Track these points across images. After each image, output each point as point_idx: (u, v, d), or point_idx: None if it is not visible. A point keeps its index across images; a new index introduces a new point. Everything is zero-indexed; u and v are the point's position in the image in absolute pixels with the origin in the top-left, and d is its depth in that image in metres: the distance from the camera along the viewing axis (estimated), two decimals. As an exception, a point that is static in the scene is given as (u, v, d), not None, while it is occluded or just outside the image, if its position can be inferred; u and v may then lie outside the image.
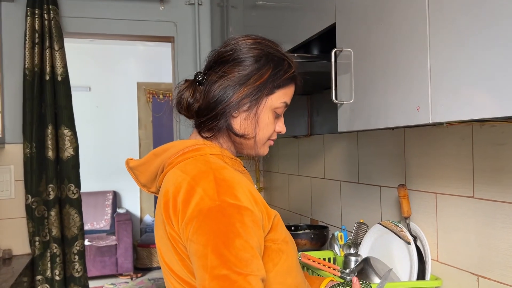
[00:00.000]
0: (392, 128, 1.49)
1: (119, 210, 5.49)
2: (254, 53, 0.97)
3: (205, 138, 0.99)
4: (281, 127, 1.03)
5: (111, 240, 5.10)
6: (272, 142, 1.04)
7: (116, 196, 5.64)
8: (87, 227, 5.24)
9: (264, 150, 1.03)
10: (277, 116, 1.01)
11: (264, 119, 0.98)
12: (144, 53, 5.73)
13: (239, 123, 0.97)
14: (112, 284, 4.91)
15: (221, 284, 0.78)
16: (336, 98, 1.25)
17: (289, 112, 1.05)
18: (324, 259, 1.58)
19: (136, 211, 5.81)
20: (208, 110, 0.96)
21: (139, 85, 5.81)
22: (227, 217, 0.82)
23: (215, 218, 0.82)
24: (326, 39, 1.44)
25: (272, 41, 1.03)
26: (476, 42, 0.79)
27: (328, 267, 1.38)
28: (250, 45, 0.98)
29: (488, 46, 0.77)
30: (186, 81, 1.03)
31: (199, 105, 0.98)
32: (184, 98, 1.00)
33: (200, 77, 1.00)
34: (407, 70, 0.98)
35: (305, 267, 1.48)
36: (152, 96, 5.88)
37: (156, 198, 1.00)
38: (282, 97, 0.99)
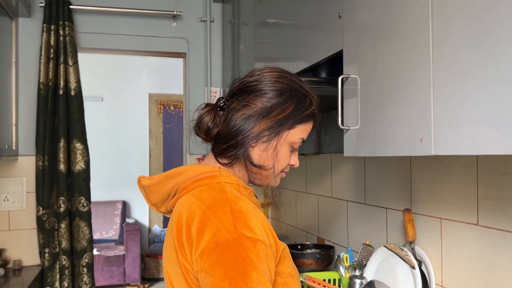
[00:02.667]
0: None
1: (128, 220, 5.53)
2: (278, 87, 0.98)
3: (222, 164, 1.00)
4: (295, 161, 1.05)
5: (120, 250, 5.13)
6: (284, 174, 1.05)
7: (125, 206, 5.68)
8: (96, 236, 5.28)
9: (276, 182, 1.04)
10: (292, 150, 1.03)
11: (282, 152, 0.99)
12: (156, 64, 5.80)
13: (257, 154, 0.98)
14: (120, 294, 4.93)
15: None
16: (342, 124, 1.27)
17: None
18: (329, 280, 1.59)
19: (145, 221, 5.85)
20: (228, 138, 0.97)
21: (151, 96, 5.88)
22: (245, 250, 0.82)
23: (233, 251, 0.82)
24: (334, 63, 1.47)
25: (297, 76, 1.05)
26: (479, 78, 0.81)
27: (333, 289, 1.39)
28: (275, 78, 1.00)
29: (490, 83, 0.79)
30: (207, 105, 1.05)
31: (218, 131, 1.00)
32: (204, 122, 1.01)
33: (221, 103, 1.02)
34: (411, 102, 1.00)
35: (310, 288, 1.49)
36: (163, 107, 5.94)
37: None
38: (300, 132, 1.01)
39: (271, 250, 0.87)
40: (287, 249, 0.95)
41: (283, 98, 0.98)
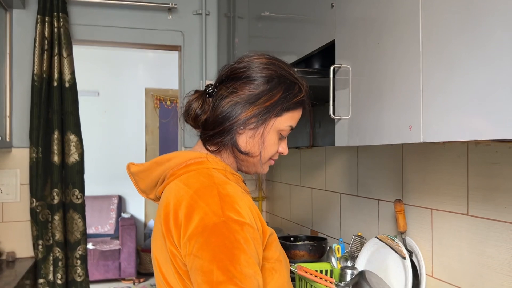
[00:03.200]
0: (391, 144, 1.51)
1: (124, 215, 5.53)
2: (266, 73, 0.98)
3: (210, 151, 1.01)
4: (284, 148, 1.04)
5: (115, 245, 5.13)
6: (273, 162, 1.05)
7: (121, 201, 5.68)
8: (91, 230, 5.28)
9: (264, 169, 1.04)
10: (281, 138, 1.02)
11: (269, 139, 0.99)
12: (152, 59, 5.80)
13: (244, 140, 0.98)
14: (115, 288, 4.94)
15: None
16: (334, 114, 1.27)
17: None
18: (321, 271, 1.59)
19: (141, 216, 5.85)
20: (215, 125, 0.97)
21: (147, 91, 5.87)
22: (233, 233, 0.82)
23: (221, 234, 0.82)
24: (328, 53, 1.47)
25: (286, 63, 1.04)
26: (466, 67, 0.81)
27: (324, 279, 1.39)
28: (263, 65, 0.99)
29: (476, 71, 0.79)
30: (196, 91, 1.05)
31: (206, 117, 1.00)
32: (192, 108, 1.02)
33: (210, 89, 1.01)
34: (401, 90, 1.00)
35: (301, 279, 1.49)
36: (159, 102, 5.94)
37: (159, 204, 1.01)
38: (288, 120, 1.00)
39: (258, 233, 0.88)
40: (275, 235, 0.95)
41: (270, 85, 0.97)
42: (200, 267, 0.82)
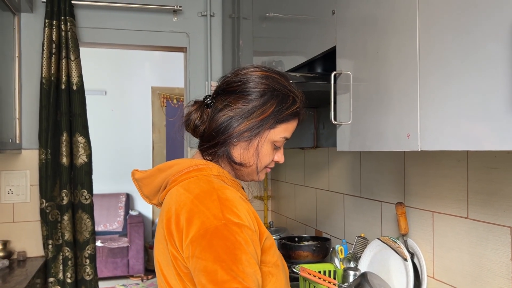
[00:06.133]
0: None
1: (132, 212, 5.59)
2: (260, 88, 1.00)
3: (208, 160, 1.04)
4: (279, 157, 1.07)
5: (123, 242, 5.19)
6: (269, 170, 1.09)
7: (129, 198, 5.74)
8: (100, 228, 5.35)
9: (260, 177, 1.07)
10: (275, 148, 1.05)
11: (263, 150, 1.02)
12: (159, 58, 5.83)
13: (238, 152, 1.02)
14: (123, 285, 5.00)
15: None
16: (335, 119, 1.29)
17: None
18: (324, 272, 1.62)
19: (148, 214, 5.91)
20: (210, 137, 1.01)
21: (154, 89, 5.91)
22: (233, 234, 0.86)
23: (222, 236, 0.86)
24: (330, 58, 1.49)
25: (282, 73, 1.06)
26: (462, 76, 0.83)
27: (327, 281, 1.42)
28: (258, 78, 1.01)
29: (472, 81, 0.81)
30: (196, 102, 1.08)
31: (204, 128, 1.03)
32: (192, 119, 1.05)
33: (208, 101, 1.05)
34: (399, 98, 1.02)
35: (305, 280, 1.52)
36: (166, 101, 5.97)
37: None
38: (282, 132, 1.03)
39: (256, 235, 0.91)
40: (272, 240, 0.99)
41: (264, 99, 1.00)
42: (204, 268, 0.85)
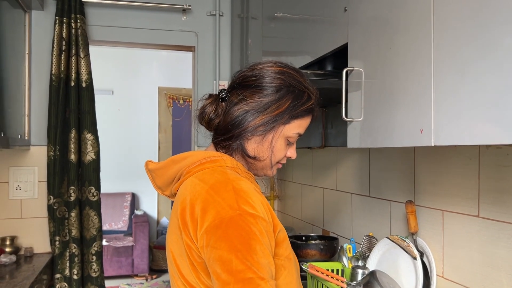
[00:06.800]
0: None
1: (137, 212, 5.60)
2: (276, 83, 1.01)
3: (221, 153, 1.04)
4: (292, 153, 1.08)
5: (128, 241, 5.20)
6: (280, 165, 1.09)
7: (134, 198, 5.75)
8: (105, 227, 5.36)
9: (272, 172, 1.08)
10: (288, 143, 1.06)
11: (277, 146, 1.03)
12: (166, 58, 5.85)
13: (252, 146, 1.02)
14: (128, 284, 5.01)
15: (246, 286, 0.82)
16: (346, 116, 1.29)
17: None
18: (332, 270, 1.62)
19: (154, 213, 5.92)
20: (225, 131, 1.02)
21: (161, 89, 5.93)
22: (248, 225, 0.87)
23: (237, 226, 0.86)
24: (341, 55, 1.49)
25: (297, 70, 1.07)
26: (476, 71, 0.83)
27: (336, 279, 1.41)
28: (274, 74, 1.02)
29: (487, 76, 0.80)
30: (210, 96, 1.08)
31: (219, 122, 1.04)
32: (206, 112, 1.06)
33: (223, 94, 1.05)
34: (413, 94, 1.02)
35: (313, 278, 1.52)
36: (172, 101, 5.99)
37: (173, 202, 1.06)
38: (296, 127, 1.04)
39: (270, 226, 0.92)
40: (285, 232, 0.99)
41: (279, 95, 1.01)
42: (219, 257, 0.85)
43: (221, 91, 1.06)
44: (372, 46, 1.20)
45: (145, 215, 5.55)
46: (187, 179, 0.99)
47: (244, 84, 1.03)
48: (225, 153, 1.04)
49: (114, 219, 5.51)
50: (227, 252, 0.85)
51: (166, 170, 1.04)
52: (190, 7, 2.77)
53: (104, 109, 5.37)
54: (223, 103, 1.05)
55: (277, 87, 1.01)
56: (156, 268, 5.40)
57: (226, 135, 1.02)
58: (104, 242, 5.04)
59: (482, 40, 0.82)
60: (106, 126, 5.38)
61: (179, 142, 5.99)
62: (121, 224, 5.53)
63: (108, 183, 5.28)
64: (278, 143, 1.03)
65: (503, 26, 0.77)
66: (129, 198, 5.65)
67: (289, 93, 1.02)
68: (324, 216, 2.22)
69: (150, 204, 5.90)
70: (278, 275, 0.94)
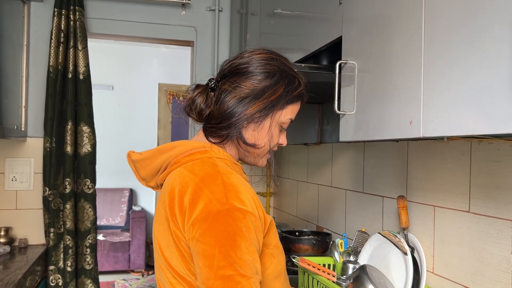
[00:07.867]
0: (397, 140, 1.53)
1: (135, 208, 5.60)
2: (269, 69, 1.01)
3: (213, 143, 1.03)
4: (283, 139, 1.08)
5: (125, 237, 5.21)
6: (269, 155, 1.08)
7: (132, 194, 5.76)
8: (103, 222, 5.37)
9: (263, 162, 1.08)
10: (281, 130, 1.06)
11: (272, 131, 1.03)
12: (166, 54, 5.85)
13: (250, 134, 1.02)
14: (124, 279, 5.01)
15: (226, 284, 0.81)
16: (339, 109, 1.29)
17: (301, 120, 1.10)
18: (324, 265, 1.62)
19: (151, 209, 5.92)
20: (221, 119, 1.00)
21: (161, 86, 5.93)
22: (235, 220, 0.85)
23: (224, 221, 0.85)
24: (336, 50, 1.49)
25: (285, 57, 1.07)
26: (464, 64, 0.83)
27: (326, 273, 1.41)
28: (265, 60, 1.02)
29: (474, 68, 0.80)
30: (198, 86, 1.07)
31: (210, 111, 1.02)
32: (197, 103, 1.04)
33: (212, 84, 1.04)
34: (403, 86, 1.02)
35: (304, 272, 1.52)
36: (172, 98, 5.99)
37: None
38: (289, 113, 1.04)
39: (260, 221, 0.90)
40: (273, 222, 0.98)
41: (273, 80, 1.00)
42: (202, 251, 0.85)
43: (210, 80, 1.05)
44: (365, 39, 1.20)
45: (143, 211, 5.55)
46: (175, 170, 0.98)
47: (235, 71, 1.02)
48: (219, 142, 1.03)
49: (111, 215, 5.51)
50: (210, 247, 0.84)
51: (152, 161, 1.03)
52: (189, 1, 2.77)
53: (104, 105, 5.38)
54: (212, 92, 1.04)
55: (270, 72, 1.01)
56: (153, 264, 5.36)
57: (223, 123, 1.00)
58: (101, 237, 5.04)
59: (471, 29, 0.82)
60: (106, 122, 5.39)
61: (178, 139, 5.95)
62: (119, 219, 5.54)
63: (106, 178, 5.30)
64: (274, 129, 1.03)
65: (491, 20, 0.77)
66: (127, 193, 5.65)
67: (283, 78, 1.01)
68: (319, 212, 2.22)
69: (147, 200, 5.90)
70: (269, 263, 0.93)
